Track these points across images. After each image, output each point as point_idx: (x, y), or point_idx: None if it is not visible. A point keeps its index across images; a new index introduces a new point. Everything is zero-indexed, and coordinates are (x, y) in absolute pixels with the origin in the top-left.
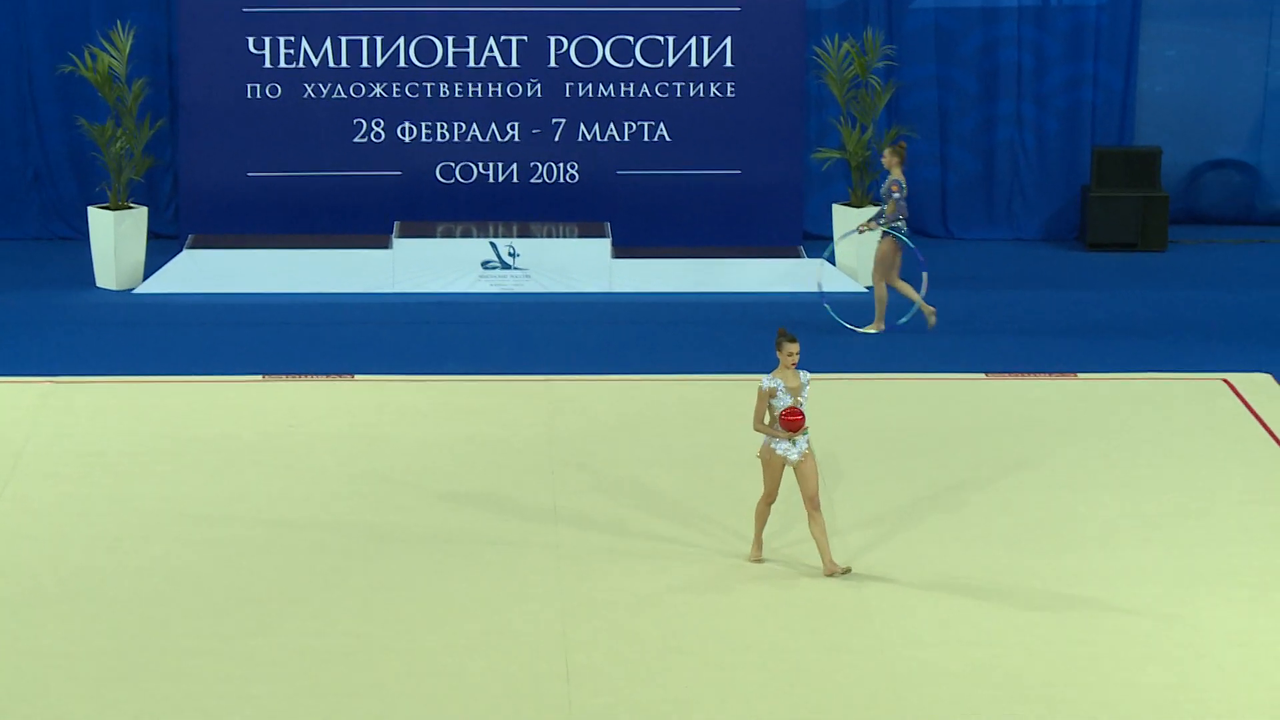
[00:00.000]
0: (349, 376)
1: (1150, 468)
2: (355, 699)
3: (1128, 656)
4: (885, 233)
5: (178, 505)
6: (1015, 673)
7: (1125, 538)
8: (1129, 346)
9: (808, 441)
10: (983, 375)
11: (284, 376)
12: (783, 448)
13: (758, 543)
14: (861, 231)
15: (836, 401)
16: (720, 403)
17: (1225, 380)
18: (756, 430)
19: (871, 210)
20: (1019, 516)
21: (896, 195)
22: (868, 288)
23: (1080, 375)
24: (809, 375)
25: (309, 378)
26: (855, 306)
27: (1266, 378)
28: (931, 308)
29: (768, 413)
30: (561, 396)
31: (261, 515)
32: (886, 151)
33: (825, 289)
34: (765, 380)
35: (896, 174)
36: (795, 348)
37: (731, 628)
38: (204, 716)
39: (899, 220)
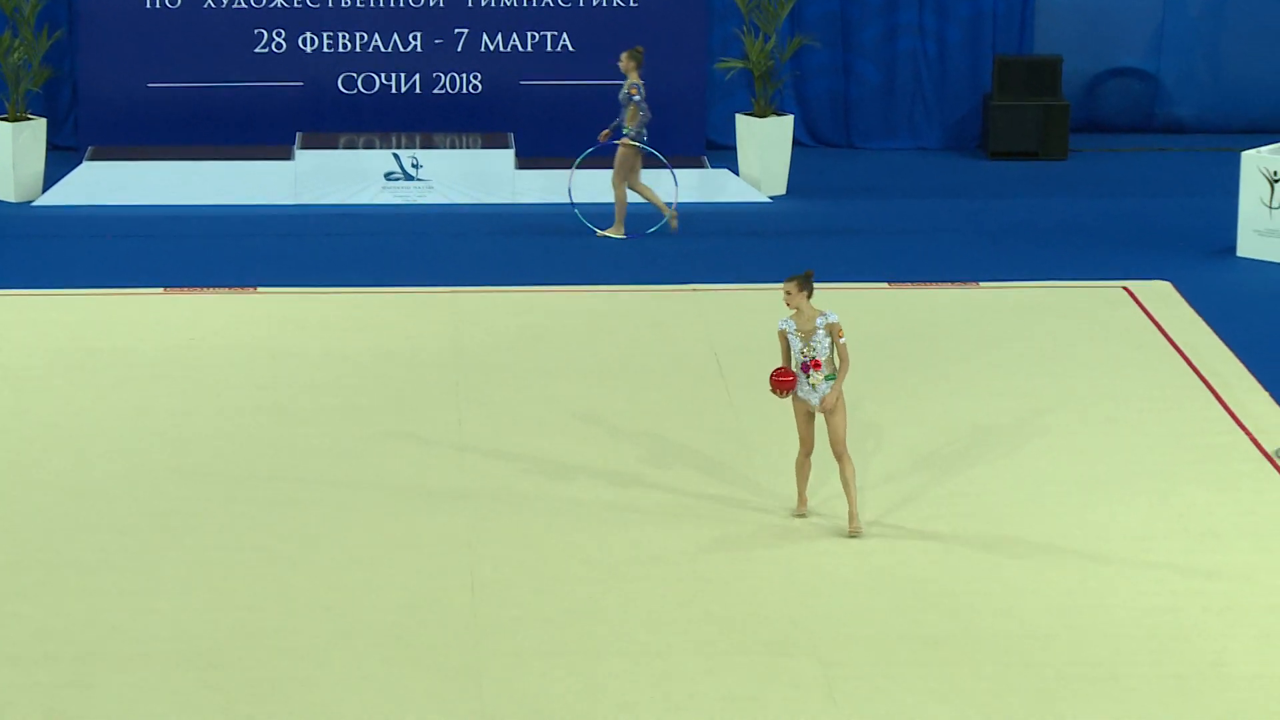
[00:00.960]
0: (251, 289)
1: (1051, 376)
2: (259, 612)
3: (1029, 561)
4: (623, 138)
5: (79, 419)
6: (917, 580)
7: (1027, 445)
8: (1030, 255)
9: (830, 387)
10: (885, 284)
11: (185, 289)
12: (804, 392)
13: (800, 498)
14: (601, 141)
15: (740, 312)
16: (624, 313)
17: (1125, 288)
18: None
19: (776, 120)
20: (921, 425)
21: (636, 98)
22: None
23: (982, 284)
24: (829, 319)
25: (211, 290)
26: (756, 217)
27: (1166, 285)
28: (673, 211)
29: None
30: (466, 308)
31: (163, 429)
32: (624, 56)
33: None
34: (781, 320)
35: (634, 78)
36: (784, 287)
37: (638, 538)
38: (108, 631)
39: (642, 128)
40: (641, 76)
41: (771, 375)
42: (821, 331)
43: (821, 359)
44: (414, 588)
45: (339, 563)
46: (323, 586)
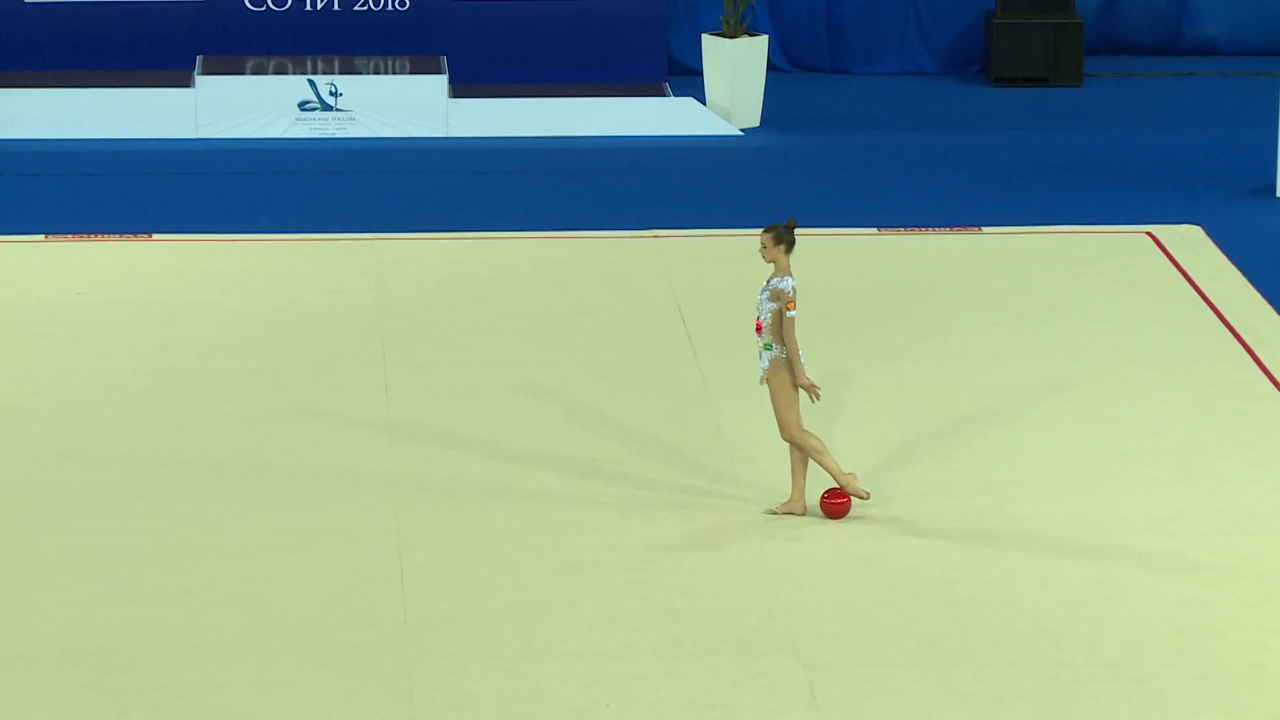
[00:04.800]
0: (146, 236)
1: (1063, 334)
2: (157, 606)
3: (1038, 547)
4: None
5: None
6: (911, 569)
7: (1035, 413)
8: (1040, 195)
9: (768, 360)
10: (874, 230)
11: (70, 236)
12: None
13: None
14: None
15: (707, 262)
16: (575, 264)
17: (1149, 233)
18: None
19: (748, 41)
20: (913, 391)
21: None
22: None
23: (985, 229)
24: (776, 284)
25: (99, 237)
26: (725, 152)
27: (1195, 230)
28: None
29: None
30: (392, 257)
31: (48, 396)
32: None
33: None
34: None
35: None
36: (761, 238)
37: (589, 524)
38: None
39: None
40: None
41: (821, 501)
42: (768, 293)
43: (763, 323)
44: (335, 579)
45: (249, 550)
46: (230, 577)
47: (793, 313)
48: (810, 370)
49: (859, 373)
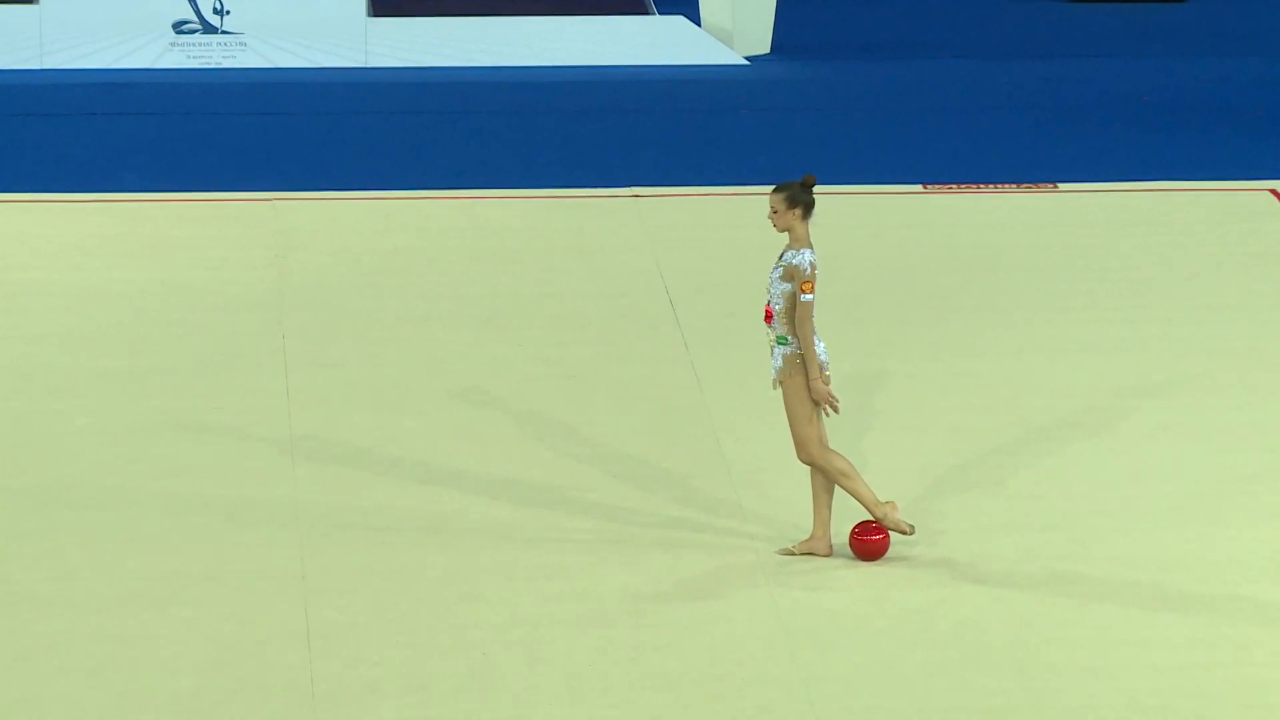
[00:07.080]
0: None
1: (1163, 322)
2: None
3: (1130, 597)
4: None
5: None
6: (969, 625)
7: (1127, 425)
8: (1132, 143)
9: (781, 357)
10: (921, 187)
11: None
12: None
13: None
14: None
15: (706, 227)
16: (533, 230)
17: (1273, 191)
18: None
19: None
20: (967, 395)
21: None
22: None
23: (1061, 186)
24: (791, 259)
25: None
26: (726, 87)
27: None
28: None
29: None
30: (297, 223)
31: None
32: None
33: None
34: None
35: None
36: (770, 199)
37: (553, 565)
38: None
39: None
40: None
41: (851, 538)
42: (780, 270)
43: (775, 309)
44: (221, 639)
45: (109, 603)
46: (85, 638)
47: (809, 296)
48: (836, 370)
49: (899, 372)
